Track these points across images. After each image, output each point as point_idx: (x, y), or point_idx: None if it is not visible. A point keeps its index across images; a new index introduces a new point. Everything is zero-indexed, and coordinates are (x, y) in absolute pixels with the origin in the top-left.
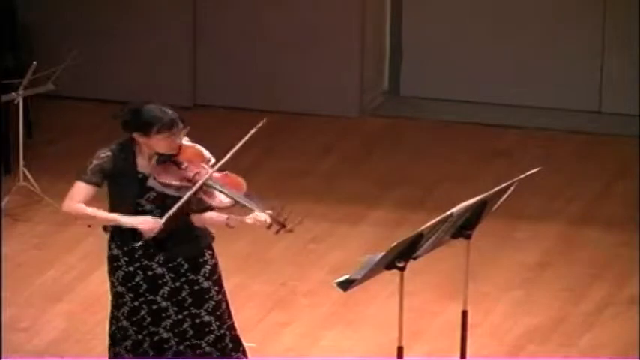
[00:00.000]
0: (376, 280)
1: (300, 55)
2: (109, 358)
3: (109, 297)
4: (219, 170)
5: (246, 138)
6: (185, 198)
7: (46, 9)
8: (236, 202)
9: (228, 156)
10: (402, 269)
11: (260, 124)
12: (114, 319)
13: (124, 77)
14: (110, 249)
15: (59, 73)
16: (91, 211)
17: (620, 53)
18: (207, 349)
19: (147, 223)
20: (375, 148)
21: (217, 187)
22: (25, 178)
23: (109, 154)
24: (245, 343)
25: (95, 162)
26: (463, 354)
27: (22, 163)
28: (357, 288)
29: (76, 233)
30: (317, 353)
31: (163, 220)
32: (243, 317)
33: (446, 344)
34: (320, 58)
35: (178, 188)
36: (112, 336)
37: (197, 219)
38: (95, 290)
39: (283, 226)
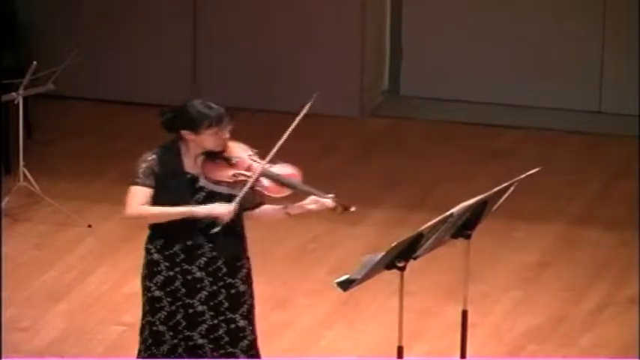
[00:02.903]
0: (376, 280)
1: (300, 55)
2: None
3: (141, 303)
4: (270, 161)
5: (294, 125)
6: (249, 184)
7: (46, 9)
8: (297, 190)
9: (278, 144)
10: (402, 269)
11: (310, 103)
12: (148, 324)
13: (124, 77)
14: (149, 254)
15: (59, 73)
16: (157, 208)
17: (620, 53)
18: (242, 356)
19: (220, 208)
20: (375, 148)
21: (276, 175)
22: (25, 178)
23: (154, 156)
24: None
25: (144, 165)
26: (463, 354)
27: (22, 163)
28: (357, 288)
29: (76, 233)
30: (317, 353)
31: (234, 203)
32: None
33: (446, 344)
34: (320, 58)
35: (232, 184)
36: (144, 341)
37: (257, 215)
38: (95, 290)
39: (346, 208)
